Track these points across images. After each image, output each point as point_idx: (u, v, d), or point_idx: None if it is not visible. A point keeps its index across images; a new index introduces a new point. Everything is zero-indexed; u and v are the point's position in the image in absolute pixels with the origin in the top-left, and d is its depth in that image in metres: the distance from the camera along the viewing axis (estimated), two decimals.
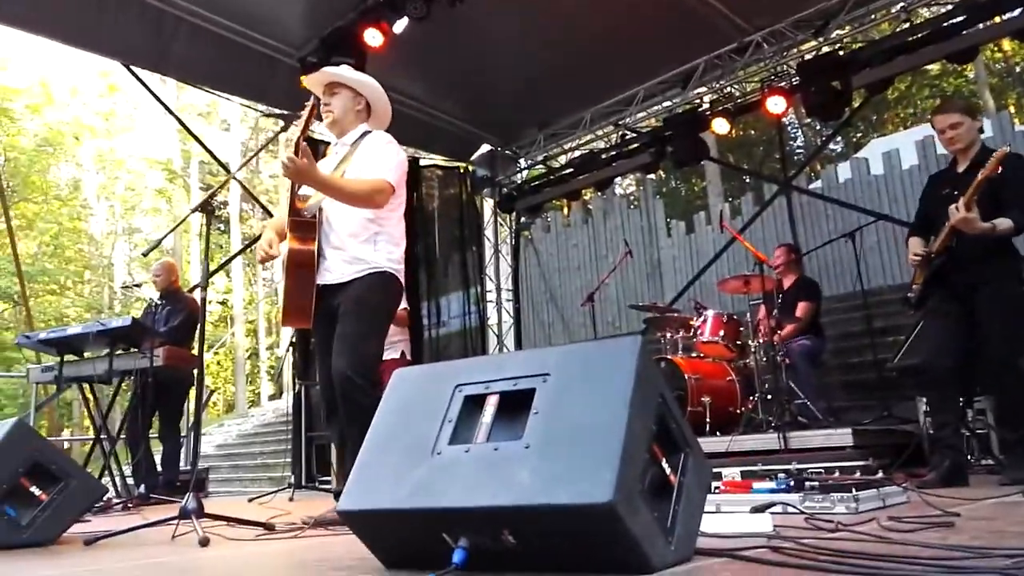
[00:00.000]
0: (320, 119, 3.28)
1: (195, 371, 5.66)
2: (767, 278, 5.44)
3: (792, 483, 2.61)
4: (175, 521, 2.79)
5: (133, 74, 6.71)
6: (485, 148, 9.23)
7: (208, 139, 14.52)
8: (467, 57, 7.09)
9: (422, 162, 8.84)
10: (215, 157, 9.39)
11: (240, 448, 13.55)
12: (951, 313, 3.64)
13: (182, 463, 6.05)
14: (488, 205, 9.78)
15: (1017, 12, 5.98)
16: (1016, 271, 3.59)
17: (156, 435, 5.89)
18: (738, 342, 5.74)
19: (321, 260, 3.10)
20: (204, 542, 2.49)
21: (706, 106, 7.77)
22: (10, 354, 17.47)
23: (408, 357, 6.09)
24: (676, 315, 6.30)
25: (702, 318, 5.84)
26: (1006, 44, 18.18)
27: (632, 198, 18.93)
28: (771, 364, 5.19)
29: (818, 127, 20.65)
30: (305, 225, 3.11)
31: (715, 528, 1.94)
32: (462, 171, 9.24)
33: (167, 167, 26.19)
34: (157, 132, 24.74)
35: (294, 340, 7.01)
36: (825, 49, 6.87)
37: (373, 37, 6.14)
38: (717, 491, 2.65)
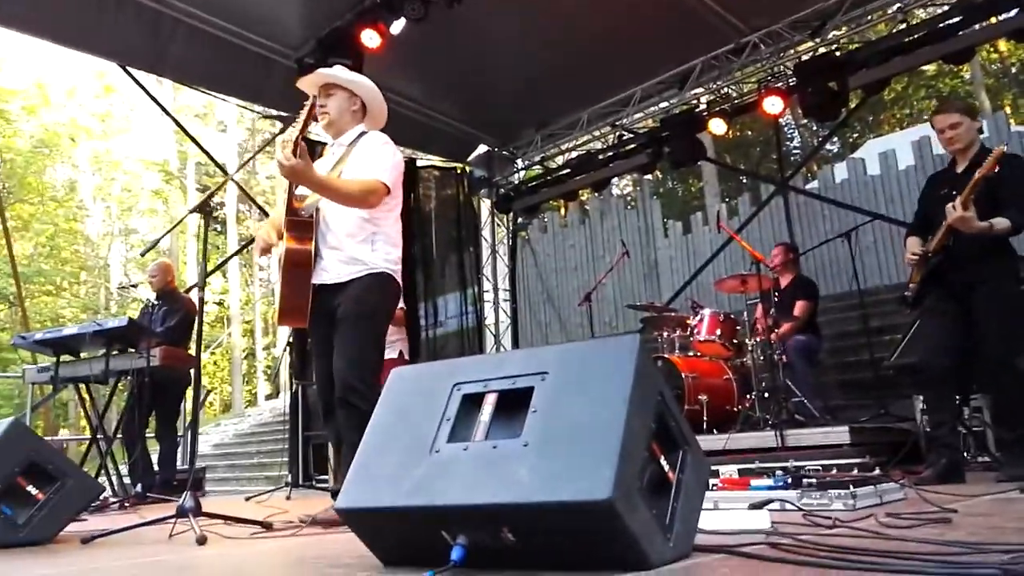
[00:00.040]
0: (317, 120, 3.28)
1: (192, 371, 5.67)
2: (764, 277, 5.45)
3: (790, 480, 2.62)
4: (172, 520, 2.79)
5: (130, 75, 6.71)
6: (482, 149, 9.24)
7: (205, 140, 14.53)
8: (464, 58, 7.09)
9: (419, 163, 8.83)
10: (212, 158, 9.40)
11: (237, 448, 13.53)
12: (948, 312, 3.65)
13: (179, 462, 6.04)
14: (485, 206, 9.78)
15: (1013, 13, 6.00)
16: (1013, 270, 3.60)
17: (152, 435, 5.88)
18: (735, 341, 5.75)
19: (318, 260, 3.10)
20: (201, 540, 2.48)
21: (703, 107, 7.78)
22: (6, 355, 17.44)
23: (406, 357, 6.10)
24: (673, 314, 6.31)
25: (699, 317, 5.85)
26: (1002, 45, 18.24)
27: (629, 199, 18.95)
28: (768, 362, 5.20)
29: (815, 128, 20.66)
30: (302, 225, 3.11)
31: (713, 525, 1.94)
32: (459, 172, 9.23)
33: (164, 168, 26.17)
34: (154, 133, 24.73)
35: (291, 340, 7.01)
36: (822, 50, 6.89)
37: (370, 38, 6.14)
38: (715, 488, 2.65)
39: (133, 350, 5.29)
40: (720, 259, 8.92)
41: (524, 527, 1.49)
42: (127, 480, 5.52)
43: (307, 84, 3.29)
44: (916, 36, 6.38)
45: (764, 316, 5.48)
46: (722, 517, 2.06)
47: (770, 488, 2.60)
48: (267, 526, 2.90)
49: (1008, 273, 3.56)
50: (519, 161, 9.45)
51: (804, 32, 6.86)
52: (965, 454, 4.33)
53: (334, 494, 3.27)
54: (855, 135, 20.73)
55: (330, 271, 3.09)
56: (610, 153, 8.52)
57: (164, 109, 7.67)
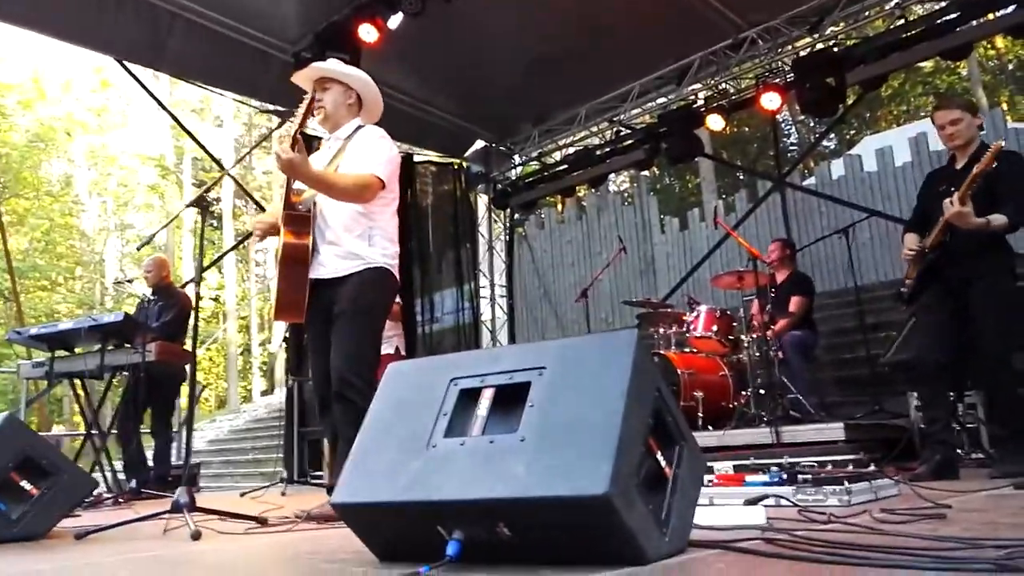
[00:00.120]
0: (314, 115, 3.26)
1: (187, 366, 5.66)
2: (761, 274, 5.45)
3: (785, 476, 2.62)
4: (167, 515, 2.78)
5: (127, 70, 6.69)
6: (479, 144, 9.22)
7: (201, 135, 14.47)
8: (462, 53, 7.07)
9: (416, 158, 8.81)
10: (208, 153, 9.38)
11: (232, 444, 13.53)
12: (943, 309, 3.65)
13: (173, 458, 6.03)
14: (482, 201, 9.76)
15: (1011, 9, 6.00)
16: (1010, 267, 3.60)
17: (147, 430, 5.87)
18: (731, 337, 5.75)
19: (315, 255, 3.09)
20: (196, 536, 2.47)
21: (701, 102, 7.77)
22: (0, 350, 17.39)
23: (402, 352, 6.09)
24: (669, 311, 6.31)
25: (695, 313, 5.85)
26: (999, 41, 18.28)
27: (626, 195, 18.98)
28: (764, 359, 5.19)
29: (812, 124, 20.71)
30: (300, 219, 3.10)
31: (709, 520, 1.94)
32: (456, 167, 9.21)
33: (160, 163, 26.12)
34: (150, 128, 24.68)
35: (287, 336, 7.00)
36: (819, 46, 6.88)
37: (368, 32, 6.12)
38: (710, 484, 2.65)
39: (128, 345, 5.27)
40: (716, 255, 8.93)
41: (520, 522, 1.49)
42: (121, 476, 5.51)
43: (302, 78, 3.27)
44: (914, 32, 6.39)
45: (760, 312, 5.48)
46: (717, 513, 2.06)
47: (765, 484, 2.60)
48: (262, 522, 2.89)
49: (1004, 269, 3.57)
50: (516, 157, 9.43)
51: (802, 28, 6.85)
52: (959, 450, 4.33)
53: (329, 490, 3.27)
54: (852, 132, 20.76)
55: (327, 266, 3.08)
56: (607, 149, 8.52)
57: (160, 104, 7.65)
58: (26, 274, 20.83)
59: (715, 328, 5.71)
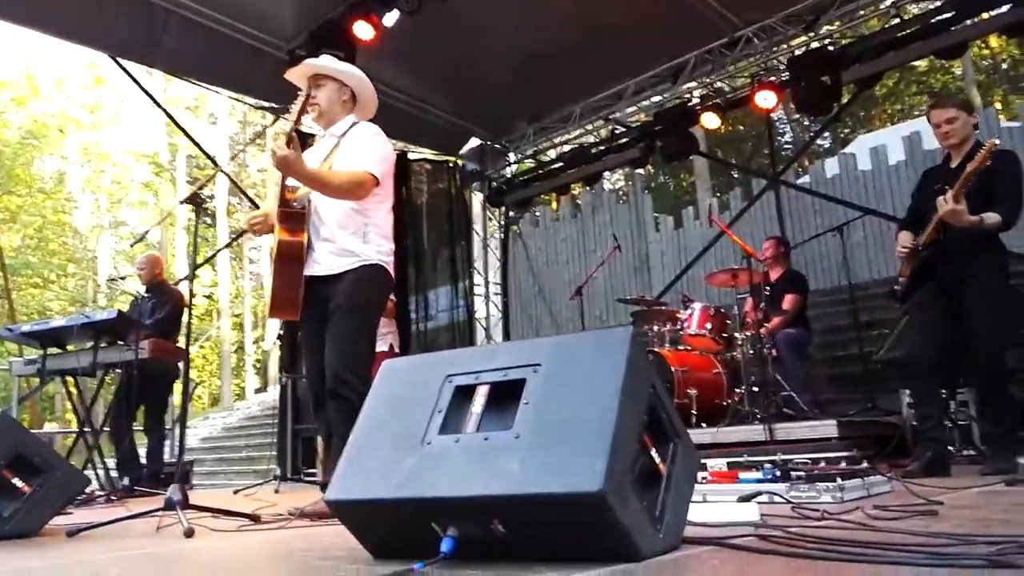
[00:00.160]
0: (308, 112, 3.25)
1: (180, 364, 5.65)
2: (754, 271, 5.46)
3: (778, 473, 2.63)
4: (159, 512, 2.77)
5: (121, 67, 6.65)
6: (474, 142, 9.21)
7: (196, 133, 14.42)
8: (457, 50, 7.06)
9: (411, 156, 8.80)
10: (203, 150, 9.34)
11: (225, 441, 13.50)
12: (936, 307, 3.66)
13: (166, 456, 6.01)
14: (477, 199, 9.76)
15: (1005, 8, 6.02)
16: (1002, 265, 3.62)
17: (140, 428, 5.85)
18: (725, 335, 5.76)
19: (310, 252, 3.09)
20: (189, 533, 2.47)
21: (696, 101, 7.78)
22: None
23: (396, 350, 6.08)
24: (663, 308, 6.32)
25: (689, 311, 5.86)
26: (993, 41, 18.35)
27: (621, 193, 18.99)
28: (758, 356, 5.21)
29: (806, 123, 20.77)
30: (295, 216, 3.09)
31: (702, 517, 1.94)
32: (451, 165, 9.21)
33: (154, 161, 26.02)
34: (144, 126, 24.60)
35: (281, 333, 6.98)
36: (815, 45, 6.89)
37: (363, 30, 6.11)
38: (704, 481, 2.66)
39: (121, 343, 5.25)
40: (710, 253, 8.94)
41: (515, 519, 1.49)
42: (114, 473, 5.49)
43: (295, 75, 3.26)
44: (908, 31, 6.40)
45: (754, 310, 5.50)
46: (711, 509, 2.06)
47: (759, 481, 2.61)
48: (255, 519, 2.88)
49: (997, 268, 3.58)
50: (511, 155, 9.43)
51: (798, 26, 6.86)
52: (951, 447, 4.35)
53: (323, 487, 3.26)
54: (846, 130, 20.81)
55: (322, 263, 3.07)
56: (602, 147, 8.52)
57: (155, 101, 7.62)
58: (18, 271, 20.75)
59: (709, 326, 5.73)
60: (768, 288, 5.83)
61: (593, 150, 8.58)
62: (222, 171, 10.29)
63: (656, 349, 5.64)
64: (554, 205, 11.93)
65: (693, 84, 7.76)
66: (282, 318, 3.41)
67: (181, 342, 5.77)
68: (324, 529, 2.54)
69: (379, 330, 3.47)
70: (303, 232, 3.08)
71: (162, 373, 5.61)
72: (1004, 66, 21.27)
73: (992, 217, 3.35)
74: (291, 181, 3.09)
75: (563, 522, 1.46)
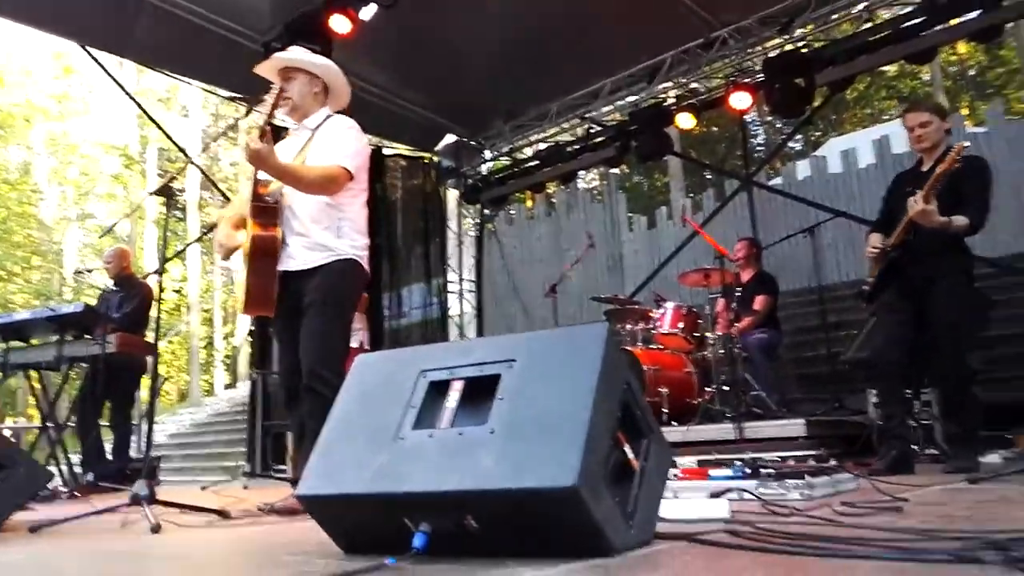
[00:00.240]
0: (280, 106, 3.21)
1: (148, 358, 5.56)
2: (727, 272, 5.51)
3: (748, 470, 2.65)
4: (125, 508, 2.73)
5: (91, 56, 6.52)
6: (450, 139, 9.18)
7: (167, 125, 14.22)
8: (434, 46, 7.03)
9: (386, 151, 8.75)
10: (174, 141, 9.19)
11: (193, 437, 13.34)
12: (903, 308, 3.73)
13: (133, 451, 5.92)
14: (452, 196, 9.73)
15: (974, 14, 6.14)
16: (968, 268, 3.69)
17: (106, 423, 5.75)
18: (696, 334, 5.81)
19: (284, 247, 3.05)
20: (155, 529, 2.43)
21: (671, 101, 7.83)
22: None
23: (366, 347, 6.05)
24: (636, 307, 6.35)
25: (662, 310, 5.90)
26: (961, 47, 18.70)
27: (595, 192, 19.05)
28: (728, 356, 5.26)
29: (778, 125, 21.01)
30: (268, 211, 3.06)
31: (674, 513, 1.96)
32: (426, 161, 9.17)
33: (124, 153, 25.59)
34: (113, 116, 24.15)
35: (252, 329, 6.90)
36: (789, 47, 6.97)
37: (340, 24, 6.05)
38: (675, 478, 2.68)
39: (88, 337, 5.15)
40: (683, 253, 8.98)
41: (488, 514, 1.49)
42: (78, 469, 5.39)
43: (265, 70, 3.22)
44: (880, 35, 6.51)
45: (726, 310, 5.55)
46: (682, 506, 2.08)
47: (729, 478, 2.63)
48: (224, 514, 2.85)
49: (963, 270, 3.65)
50: (487, 152, 9.41)
51: (773, 28, 6.93)
52: (915, 446, 4.43)
53: (294, 483, 3.23)
54: (818, 133, 21.09)
55: (296, 258, 3.04)
56: (578, 146, 8.54)
57: (126, 91, 7.47)
58: None
59: (681, 325, 5.77)
60: (739, 289, 5.88)
61: (568, 149, 8.61)
62: (193, 163, 10.14)
63: (628, 347, 5.66)
64: (529, 203, 11.94)
65: (669, 84, 7.81)
66: (256, 314, 3.37)
67: (149, 337, 5.68)
68: (294, 525, 2.52)
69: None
70: (276, 227, 3.04)
71: (129, 368, 5.52)
72: (971, 72, 21.70)
73: (960, 219, 3.41)
74: (264, 175, 3.05)
75: (536, 517, 1.46)
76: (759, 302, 5.92)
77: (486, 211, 9.98)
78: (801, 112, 7.21)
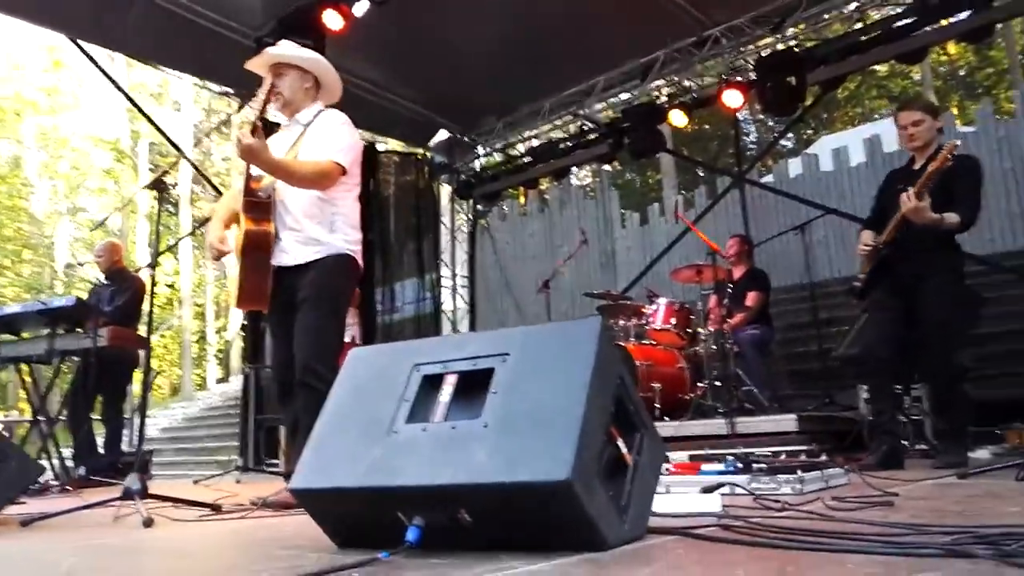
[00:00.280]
0: (272, 101, 3.19)
1: (141, 352, 5.54)
2: (719, 268, 5.53)
3: (740, 465, 2.66)
4: (117, 502, 2.72)
5: (82, 50, 6.48)
6: (443, 135, 9.17)
7: (159, 120, 14.12)
8: (427, 42, 7.01)
9: (379, 147, 8.74)
10: (165, 136, 9.17)
11: (186, 431, 13.30)
12: (893, 305, 3.74)
13: (124, 445, 5.90)
14: (445, 192, 9.72)
15: (964, 15, 6.17)
16: (959, 266, 3.71)
17: (98, 417, 5.73)
18: (689, 330, 5.82)
19: (277, 241, 3.04)
20: (148, 523, 2.42)
21: (664, 98, 7.85)
22: None
23: (358, 342, 6.04)
24: (629, 303, 6.36)
25: (654, 306, 5.91)
26: (951, 48, 18.78)
27: (588, 189, 19.04)
28: (721, 352, 5.28)
29: (770, 123, 21.06)
30: (260, 206, 3.05)
31: (666, 508, 1.96)
32: (419, 157, 9.16)
33: (115, 147, 25.42)
34: (104, 111, 24.01)
35: (244, 323, 6.89)
36: (781, 46, 6.99)
37: (333, 19, 6.04)
38: (667, 473, 2.68)
39: (80, 330, 5.13)
40: (675, 250, 9.00)
41: (482, 508, 1.49)
42: (70, 463, 5.37)
43: (256, 66, 3.21)
44: (871, 35, 6.54)
45: (718, 306, 5.56)
46: (674, 500, 2.09)
47: (721, 473, 2.64)
48: (216, 508, 2.84)
49: (953, 268, 3.67)
50: (480, 148, 9.41)
51: (765, 27, 6.95)
52: (904, 442, 4.46)
53: (287, 477, 3.23)
54: (809, 132, 21.17)
55: (290, 253, 3.04)
56: (571, 143, 8.55)
57: (117, 85, 7.43)
58: None
59: (673, 321, 5.79)
60: (731, 285, 5.90)
61: (561, 145, 8.61)
62: (186, 158, 10.09)
63: (621, 343, 5.67)
64: (522, 199, 11.93)
65: (661, 82, 7.83)
66: (249, 309, 3.36)
67: (141, 331, 5.66)
68: (287, 519, 2.52)
69: None
70: (269, 222, 3.04)
71: (121, 361, 5.50)
72: (961, 73, 21.80)
73: (952, 217, 3.43)
74: (256, 170, 3.04)
75: (530, 511, 1.47)
76: (751, 298, 5.94)
77: (479, 207, 9.98)
78: (793, 110, 7.24)
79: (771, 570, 1.26)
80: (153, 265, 3.36)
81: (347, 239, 3.09)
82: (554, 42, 6.97)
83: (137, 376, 5.79)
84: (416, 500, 1.54)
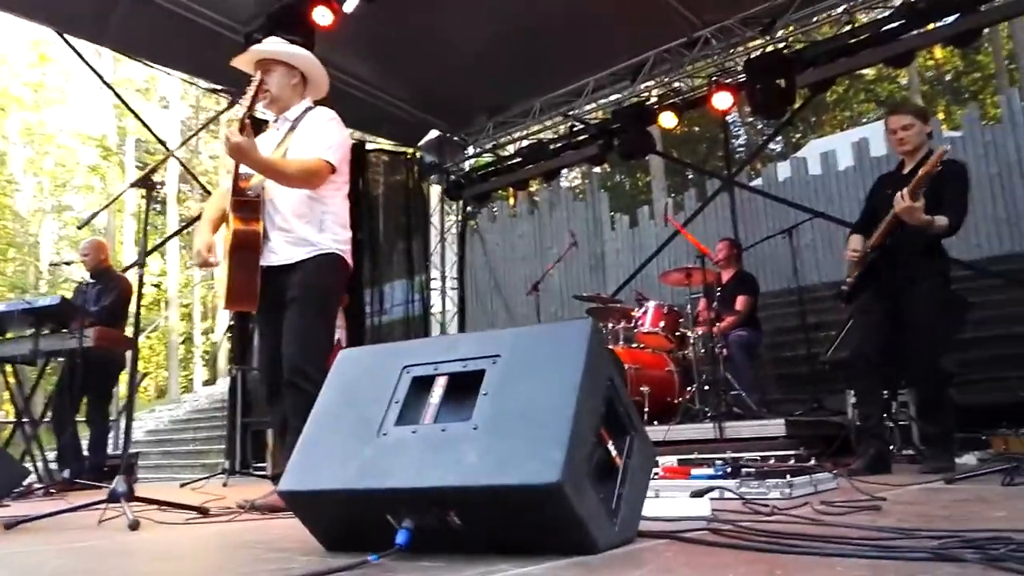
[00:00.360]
0: (260, 99, 3.18)
1: (127, 353, 5.48)
2: (708, 271, 5.54)
3: (729, 470, 2.67)
4: (103, 505, 2.69)
5: (68, 44, 6.43)
6: (433, 134, 9.15)
7: (146, 116, 14.04)
8: (418, 40, 7.00)
9: (368, 146, 8.71)
10: (153, 132, 9.10)
11: (172, 434, 13.20)
12: (880, 311, 3.77)
13: (110, 448, 5.84)
14: (435, 192, 9.70)
15: (951, 19, 6.22)
16: (945, 270, 3.74)
17: (83, 419, 5.67)
18: (678, 333, 5.83)
19: (266, 241, 3.02)
20: (134, 526, 2.40)
21: (654, 100, 7.87)
22: None
23: (343, 345, 6.01)
24: (618, 306, 6.37)
25: (643, 309, 5.92)
26: (938, 52, 18.95)
27: (578, 191, 19.09)
28: (709, 355, 5.29)
29: (759, 126, 21.16)
30: (249, 205, 3.02)
31: (656, 512, 1.96)
32: (409, 157, 9.13)
33: (101, 144, 25.23)
34: (91, 106, 23.83)
35: (232, 324, 6.84)
36: (770, 48, 7.02)
37: (322, 15, 6.01)
38: (657, 477, 2.69)
39: (65, 330, 5.08)
40: (664, 253, 9.04)
41: (471, 510, 1.48)
42: (54, 466, 5.32)
43: (242, 63, 3.19)
44: (860, 38, 6.59)
45: (707, 309, 5.58)
46: (664, 504, 2.09)
47: (710, 477, 2.65)
48: (203, 511, 2.82)
49: (940, 272, 3.69)
50: (470, 148, 9.40)
51: (755, 29, 6.98)
52: (892, 447, 4.48)
53: (274, 479, 3.21)
54: (798, 135, 21.30)
55: (279, 252, 3.02)
56: (561, 143, 8.55)
57: (104, 80, 7.39)
58: None
59: (662, 324, 5.80)
60: (720, 289, 5.92)
61: (552, 146, 8.61)
62: (173, 155, 10.03)
63: (610, 346, 5.68)
64: (511, 201, 11.93)
65: (652, 83, 7.84)
66: (238, 309, 3.33)
67: (128, 331, 5.60)
68: (275, 522, 2.50)
69: None
70: (258, 221, 3.01)
71: (107, 362, 5.44)
72: (947, 77, 21.99)
73: (941, 219, 3.45)
74: (245, 169, 3.02)
75: (520, 513, 1.46)
76: (740, 302, 5.96)
77: (469, 208, 9.97)
78: (782, 113, 7.28)
79: (761, 573, 1.26)
80: (141, 264, 3.32)
81: (336, 238, 3.08)
82: (545, 42, 6.97)
83: (123, 378, 5.74)
84: (406, 502, 1.53)
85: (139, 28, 6.25)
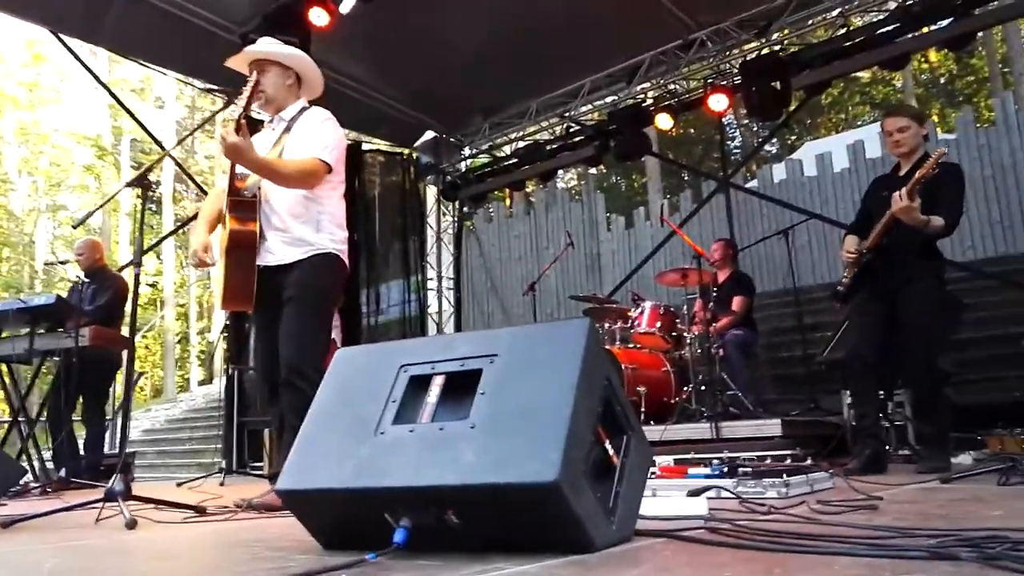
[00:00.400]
0: (256, 99, 3.18)
1: (123, 353, 5.47)
2: (704, 272, 5.55)
3: (726, 469, 2.68)
4: (100, 504, 2.69)
5: (63, 44, 6.41)
6: (429, 135, 9.15)
7: (142, 116, 14.01)
8: (414, 41, 7.00)
9: (364, 147, 8.70)
10: (148, 132, 9.08)
11: (168, 434, 13.18)
12: (876, 310, 3.78)
13: (106, 447, 5.83)
14: (431, 193, 9.70)
15: (946, 22, 6.24)
16: (940, 271, 3.75)
17: (79, 418, 5.66)
18: (674, 333, 5.84)
19: (262, 241, 3.02)
20: (131, 524, 2.39)
21: (650, 101, 7.88)
22: None
23: (339, 345, 6.01)
24: (614, 306, 6.38)
25: (639, 309, 5.93)
26: (932, 55, 19.01)
27: (574, 191, 19.11)
28: (706, 356, 5.29)
29: (755, 128, 21.21)
30: (245, 205, 3.02)
31: (653, 511, 1.97)
32: (405, 157, 9.13)
33: (96, 143, 25.16)
34: (86, 106, 23.76)
35: (228, 323, 6.83)
36: (766, 51, 7.04)
37: (318, 16, 6.02)
38: (654, 476, 2.69)
39: (61, 330, 5.07)
40: (660, 253, 9.05)
41: (469, 509, 1.49)
42: (50, 465, 5.30)
43: (236, 63, 3.19)
44: (855, 41, 6.61)
45: (703, 310, 5.59)
46: (661, 503, 2.09)
47: (707, 476, 2.66)
48: (200, 510, 2.82)
49: (935, 274, 3.71)
50: (466, 149, 9.40)
51: (750, 31, 7.00)
52: (888, 447, 4.50)
53: (272, 479, 3.21)
54: (793, 137, 21.36)
55: (275, 252, 3.02)
56: (557, 144, 8.56)
57: (99, 80, 7.35)
58: None
59: (659, 324, 5.80)
60: (716, 289, 5.93)
61: (548, 147, 8.62)
62: (168, 155, 10.00)
63: (606, 346, 5.68)
64: (508, 201, 11.94)
65: (647, 85, 7.87)
66: (234, 309, 3.32)
67: (124, 331, 5.59)
68: (273, 521, 2.50)
69: None
70: (254, 221, 3.01)
71: (103, 362, 5.42)
72: (942, 80, 22.07)
73: (937, 220, 3.47)
74: (241, 169, 3.02)
75: (517, 512, 1.46)
76: (737, 302, 5.97)
77: (465, 208, 9.97)
78: (778, 115, 7.30)
79: (758, 572, 1.26)
80: (137, 264, 3.31)
81: (333, 238, 3.08)
82: (541, 43, 6.98)
83: (119, 377, 5.72)
84: (403, 501, 1.53)
85: (134, 28, 6.24)
